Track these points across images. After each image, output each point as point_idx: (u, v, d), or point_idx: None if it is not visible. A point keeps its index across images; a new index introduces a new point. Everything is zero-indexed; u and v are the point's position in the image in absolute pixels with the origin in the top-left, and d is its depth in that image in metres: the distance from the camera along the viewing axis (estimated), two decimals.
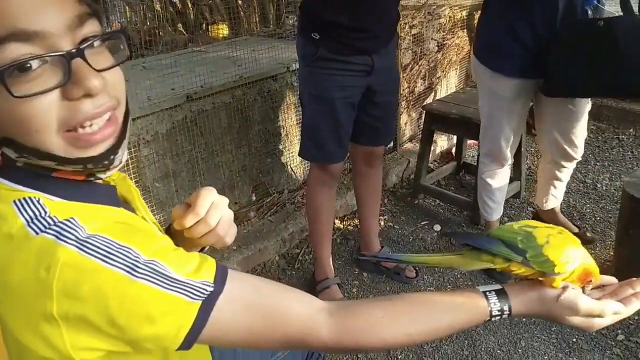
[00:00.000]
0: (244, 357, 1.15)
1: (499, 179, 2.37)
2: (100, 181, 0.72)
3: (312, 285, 2.29)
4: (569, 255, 0.76)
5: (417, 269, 2.39)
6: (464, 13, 3.67)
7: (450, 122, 2.71)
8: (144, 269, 0.61)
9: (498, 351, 1.98)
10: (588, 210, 2.83)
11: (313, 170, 2.13)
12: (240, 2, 4.39)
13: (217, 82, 2.39)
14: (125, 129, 0.68)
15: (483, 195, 2.42)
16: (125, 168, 2.14)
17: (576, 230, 2.55)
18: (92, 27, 0.61)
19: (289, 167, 2.80)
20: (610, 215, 2.76)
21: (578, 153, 2.31)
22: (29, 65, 0.56)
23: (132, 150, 2.13)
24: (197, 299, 0.64)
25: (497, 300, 0.78)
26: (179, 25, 4.52)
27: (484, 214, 2.48)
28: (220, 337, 0.67)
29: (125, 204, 0.78)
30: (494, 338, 2.03)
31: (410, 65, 3.26)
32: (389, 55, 2.03)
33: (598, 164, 3.34)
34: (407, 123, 3.42)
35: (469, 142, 3.27)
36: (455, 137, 3.28)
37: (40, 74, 0.57)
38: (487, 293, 0.78)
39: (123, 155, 0.70)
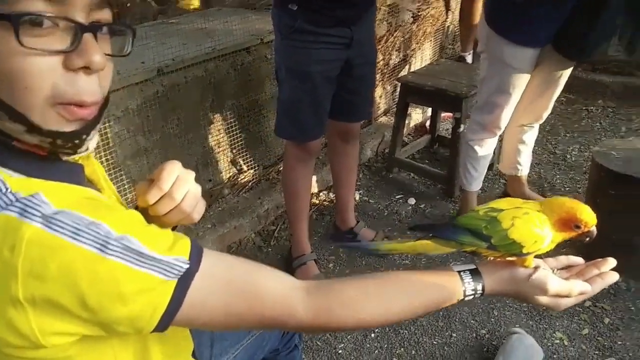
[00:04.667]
0: (219, 337, 1.15)
1: (487, 147, 2.38)
2: (68, 160, 0.69)
3: (289, 262, 2.29)
4: (536, 235, 0.77)
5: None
6: None
7: (425, 95, 2.71)
8: (116, 246, 0.58)
9: (472, 321, 2.03)
10: (558, 181, 2.90)
11: (289, 147, 2.10)
12: None
13: (189, 55, 2.32)
14: (101, 115, 0.66)
15: (467, 162, 2.41)
16: (96, 145, 2.08)
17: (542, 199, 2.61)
18: (107, 15, 0.63)
19: (263, 142, 2.76)
20: (579, 186, 2.82)
21: (547, 114, 2.42)
22: (41, 21, 0.55)
23: (102, 126, 2.06)
24: (172, 277, 0.61)
25: (471, 280, 0.79)
26: None
27: (463, 183, 2.47)
28: (196, 317, 0.65)
29: (91, 183, 0.75)
30: (467, 309, 2.08)
31: (385, 37, 3.23)
32: (367, 27, 2.00)
33: (568, 135, 3.40)
34: (382, 96, 3.41)
35: (443, 115, 3.28)
36: (429, 110, 3.29)
37: (49, 34, 0.57)
38: (462, 273, 0.80)
39: (93, 140, 0.67)
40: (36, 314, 0.56)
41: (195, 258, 0.64)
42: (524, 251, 0.78)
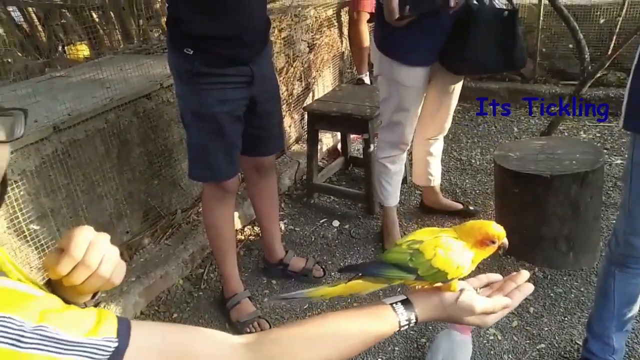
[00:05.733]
0: None
1: (398, 163, 2.47)
2: None
3: (223, 303, 2.23)
4: (456, 261, 0.82)
5: (323, 267, 2.42)
6: (330, 12, 3.78)
7: (332, 120, 2.78)
8: (31, 338, 0.54)
9: (411, 332, 2.07)
10: (468, 185, 3.07)
11: (206, 188, 2.06)
12: (97, 19, 4.14)
13: (86, 108, 2.22)
14: (2, 198, 0.66)
15: (381, 179, 2.49)
16: None
17: (460, 207, 2.76)
18: None
19: (178, 186, 2.69)
20: (487, 187, 3.00)
21: (448, 125, 2.57)
22: None
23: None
24: (102, 358, 0.58)
25: (404, 311, 0.81)
26: (31, 49, 4.15)
27: (381, 199, 2.55)
28: None
29: None
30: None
31: (285, 68, 3.29)
32: (266, 63, 2.02)
33: (469, 141, 3.63)
34: (291, 125, 3.45)
35: (352, 136, 3.37)
36: (339, 134, 3.37)
37: None
38: (394, 305, 0.82)
39: None
40: None
41: (124, 333, 0.61)
42: (449, 277, 0.83)
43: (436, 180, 2.74)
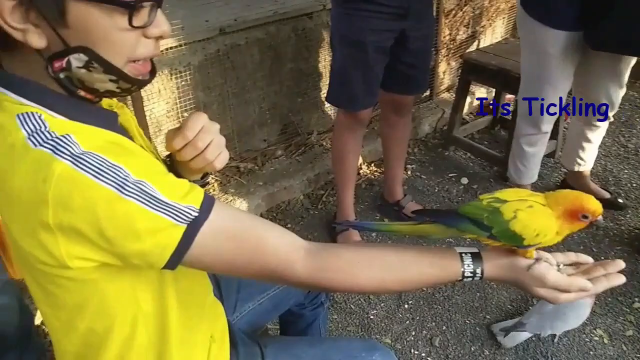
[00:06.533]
0: (246, 283, 1.20)
1: (537, 146, 2.25)
2: (104, 106, 0.76)
3: (333, 227, 2.33)
4: (537, 229, 0.77)
5: None
6: None
7: (487, 74, 2.62)
8: (132, 188, 0.64)
9: (509, 306, 2.00)
10: (625, 176, 2.74)
11: (340, 114, 2.12)
12: None
13: (251, 17, 2.37)
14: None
15: (515, 158, 2.33)
16: (158, 97, 2.19)
17: (608, 196, 2.48)
18: None
19: (319, 108, 2.79)
20: None
21: (613, 112, 2.22)
22: (142, 6, 0.67)
23: (165, 79, 2.16)
24: (182, 222, 0.66)
25: (471, 262, 0.80)
26: None
27: (513, 177, 2.39)
28: (202, 261, 0.70)
29: (124, 130, 0.81)
30: (506, 294, 2.04)
31: (453, 11, 3.13)
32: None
33: None
34: (446, 72, 3.32)
35: (508, 96, 3.15)
36: (494, 90, 3.18)
37: (140, 13, 0.67)
38: (463, 255, 0.81)
39: None
40: (63, 239, 0.64)
41: (206, 208, 0.69)
42: (525, 243, 0.78)
43: (587, 166, 2.46)
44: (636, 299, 2.01)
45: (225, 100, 2.39)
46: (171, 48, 2.13)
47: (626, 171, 2.78)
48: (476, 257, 0.81)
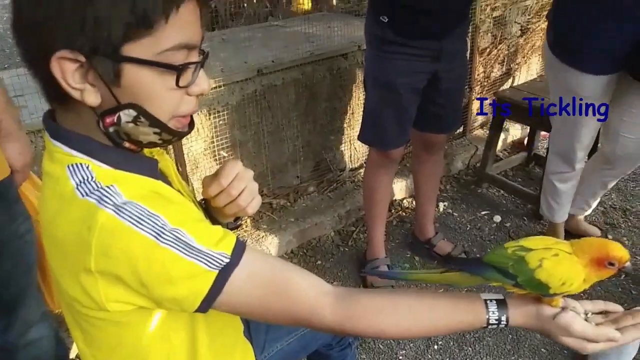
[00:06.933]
0: (274, 326, 1.23)
1: (570, 182, 2.23)
2: (145, 154, 0.82)
3: (363, 264, 2.35)
4: (563, 278, 0.78)
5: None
6: None
7: (521, 112, 2.62)
8: (169, 236, 0.69)
9: (542, 350, 1.96)
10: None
11: (372, 153, 2.16)
12: None
13: (288, 58, 2.46)
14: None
15: (548, 196, 2.31)
16: (196, 136, 2.28)
17: (599, 233, 2.48)
18: None
19: (352, 145, 2.84)
20: None
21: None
22: (188, 67, 0.72)
23: (203, 118, 2.26)
24: (214, 268, 0.71)
25: (496, 309, 0.81)
26: None
27: (546, 215, 2.38)
28: (233, 305, 0.75)
29: (163, 176, 0.87)
30: (539, 336, 2.00)
31: (488, 49, 3.16)
32: (458, 40, 1.99)
33: None
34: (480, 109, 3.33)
35: (542, 133, 3.14)
36: (528, 127, 3.17)
37: (186, 73, 0.73)
38: (488, 302, 0.82)
39: None
40: (103, 283, 0.69)
41: (238, 254, 0.73)
42: (551, 292, 0.79)
43: (589, 210, 2.45)
44: None
45: (260, 138, 2.48)
46: (211, 89, 2.23)
47: None
48: (501, 304, 0.82)
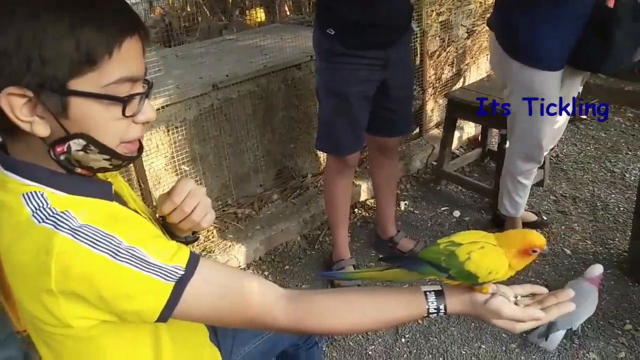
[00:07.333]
0: (241, 330, 1.28)
1: (534, 174, 2.33)
2: (99, 178, 0.87)
3: (330, 266, 2.41)
4: (489, 268, 0.87)
5: None
6: None
7: (471, 111, 2.74)
8: (125, 254, 0.73)
9: (503, 334, 2.05)
10: (612, 200, 2.82)
11: (329, 159, 2.23)
12: None
13: (243, 72, 2.52)
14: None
15: (512, 194, 2.37)
16: (157, 152, 2.31)
17: (534, 218, 2.61)
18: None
19: (311, 152, 2.90)
20: (634, 206, 2.73)
21: None
22: (133, 98, 0.77)
23: (162, 134, 2.29)
24: (170, 281, 0.76)
25: (435, 300, 0.89)
26: (218, 10, 4.66)
27: (509, 211, 2.42)
28: (191, 313, 0.80)
29: (118, 197, 0.91)
30: None
31: (437, 52, 3.28)
32: (403, 48, 2.08)
33: (630, 153, 3.28)
34: (434, 109, 3.45)
35: (494, 130, 3.27)
36: (480, 125, 3.30)
37: (131, 104, 0.78)
38: (427, 293, 0.90)
39: None
40: (65, 301, 0.73)
41: (192, 266, 0.78)
42: (480, 281, 0.88)
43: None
44: (627, 321, 2.06)
45: (220, 150, 2.52)
46: (167, 105, 2.27)
47: (613, 196, 2.86)
48: (439, 294, 0.90)
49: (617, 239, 2.52)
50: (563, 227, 2.64)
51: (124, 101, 0.75)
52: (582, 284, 1.97)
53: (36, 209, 0.74)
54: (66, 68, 0.70)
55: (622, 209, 2.75)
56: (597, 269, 2.00)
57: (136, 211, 0.92)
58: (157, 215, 1.01)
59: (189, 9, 4.72)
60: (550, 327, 1.89)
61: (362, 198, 2.92)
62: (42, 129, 0.73)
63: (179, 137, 2.34)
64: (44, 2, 0.70)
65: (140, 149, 0.85)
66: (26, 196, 0.75)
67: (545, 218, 2.67)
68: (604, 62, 1.98)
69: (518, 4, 2.01)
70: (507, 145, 2.37)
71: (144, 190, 2.21)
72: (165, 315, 0.76)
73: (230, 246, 2.42)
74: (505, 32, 2.09)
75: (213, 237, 2.46)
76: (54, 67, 0.69)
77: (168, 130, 2.30)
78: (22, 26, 0.68)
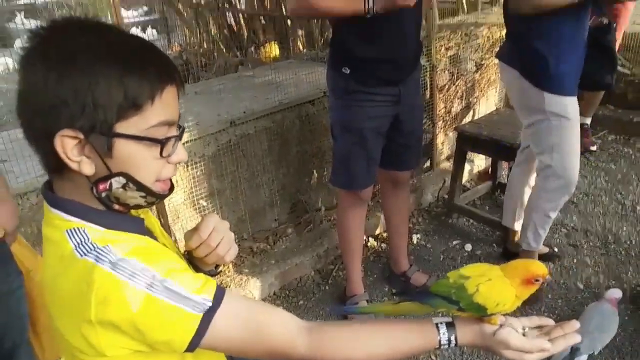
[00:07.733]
0: None
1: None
2: (132, 214, 0.94)
3: (343, 300, 2.44)
4: (497, 299, 0.91)
5: None
6: (504, 32, 3.72)
7: (480, 144, 2.80)
8: (159, 287, 0.79)
9: None
10: (623, 234, 2.83)
11: (342, 194, 2.28)
12: (288, 24, 4.63)
13: (259, 108, 2.60)
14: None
15: (539, 228, 2.33)
16: (176, 187, 2.38)
17: (546, 250, 2.62)
18: None
19: (326, 186, 2.96)
20: None
21: None
22: (169, 140, 0.84)
23: (182, 170, 2.36)
24: (199, 312, 0.81)
25: (446, 331, 0.94)
26: (233, 46, 4.80)
27: (532, 245, 2.38)
28: (217, 343, 0.85)
29: (149, 232, 0.98)
30: None
31: (447, 86, 3.36)
32: (414, 84, 2.16)
33: None
34: (445, 142, 3.51)
35: (504, 163, 3.32)
36: (490, 158, 3.34)
37: (167, 145, 0.85)
38: (439, 324, 0.95)
39: None
40: (102, 331, 0.78)
41: (218, 298, 0.84)
42: (489, 312, 0.93)
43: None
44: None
45: (237, 185, 2.58)
46: (187, 142, 2.35)
47: (625, 228, 2.88)
48: (450, 326, 0.95)
49: (629, 273, 2.53)
50: (575, 260, 2.65)
51: (162, 143, 0.83)
52: (604, 305, 2.03)
53: (78, 243, 0.81)
54: (114, 113, 0.78)
55: (633, 242, 2.76)
56: (618, 292, 2.08)
57: (165, 245, 0.98)
58: (184, 249, 1.07)
59: (205, 46, 4.87)
60: (574, 352, 1.91)
61: (375, 232, 2.96)
62: (88, 167, 0.81)
63: (198, 173, 2.41)
64: (96, 50, 0.78)
65: (172, 187, 0.92)
66: (69, 232, 0.82)
67: (556, 250, 2.69)
68: (612, 76, 2.15)
69: (539, 35, 2.03)
70: (535, 182, 2.35)
71: (164, 225, 2.27)
72: (194, 345, 0.82)
73: (245, 280, 2.47)
74: (532, 63, 2.09)
75: (229, 272, 2.50)
76: (104, 112, 0.77)
77: (187, 166, 2.37)
78: (79, 75, 0.76)
